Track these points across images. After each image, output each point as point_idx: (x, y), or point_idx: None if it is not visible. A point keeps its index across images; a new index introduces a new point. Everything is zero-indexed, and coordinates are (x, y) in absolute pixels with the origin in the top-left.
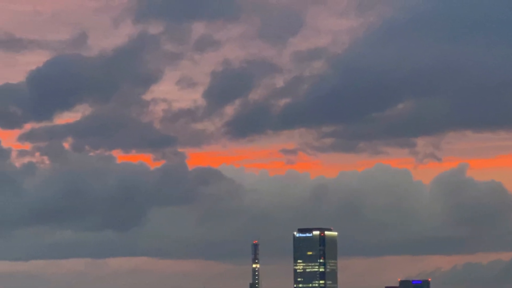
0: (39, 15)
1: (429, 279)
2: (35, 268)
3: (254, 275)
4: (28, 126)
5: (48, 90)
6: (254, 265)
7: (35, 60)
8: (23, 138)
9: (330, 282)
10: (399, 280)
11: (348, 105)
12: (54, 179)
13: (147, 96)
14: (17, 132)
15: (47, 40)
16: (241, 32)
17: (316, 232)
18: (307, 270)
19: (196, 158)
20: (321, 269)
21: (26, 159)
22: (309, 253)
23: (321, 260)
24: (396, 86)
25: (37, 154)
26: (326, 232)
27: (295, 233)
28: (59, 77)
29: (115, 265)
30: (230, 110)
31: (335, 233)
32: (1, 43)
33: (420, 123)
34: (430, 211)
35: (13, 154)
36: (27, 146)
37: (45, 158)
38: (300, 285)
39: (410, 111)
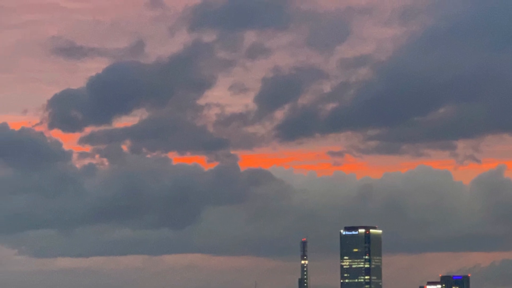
0: (99, 24)
1: (469, 275)
2: (96, 264)
3: (302, 271)
4: (88, 130)
5: (107, 95)
6: (302, 262)
7: (95, 66)
8: (84, 141)
9: (375, 277)
10: (440, 275)
11: (392, 110)
12: (113, 180)
13: (201, 101)
14: (77, 135)
15: (107, 48)
16: (290, 40)
17: (362, 230)
18: (353, 266)
19: (247, 160)
20: (366, 265)
21: (86, 161)
22: (355, 250)
23: (366, 257)
24: (437, 92)
25: (97, 156)
26: (371, 230)
27: (341, 231)
28: (117, 83)
29: (171, 262)
30: (280, 114)
31: (380, 231)
32: (63, 50)
33: (460, 126)
34: (469, 210)
35: (74, 156)
36: (87, 148)
37: (105, 160)
38: (347, 281)
39: (451, 115)
